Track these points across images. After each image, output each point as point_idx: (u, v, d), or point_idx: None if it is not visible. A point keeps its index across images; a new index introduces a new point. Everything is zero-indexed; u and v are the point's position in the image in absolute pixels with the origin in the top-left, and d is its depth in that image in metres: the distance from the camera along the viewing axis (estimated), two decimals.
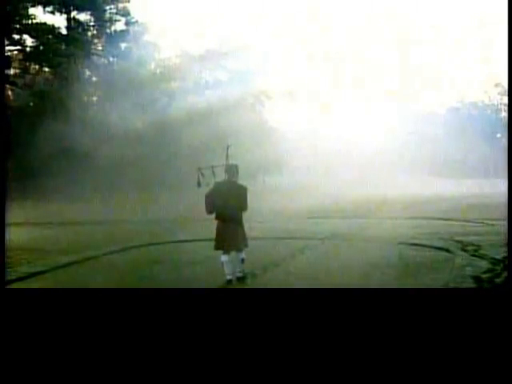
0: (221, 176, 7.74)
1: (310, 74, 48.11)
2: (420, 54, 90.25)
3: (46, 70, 34.92)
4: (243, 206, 7.47)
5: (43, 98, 31.99)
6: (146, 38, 37.16)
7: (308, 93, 46.77)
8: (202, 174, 7.80)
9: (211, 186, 7.56)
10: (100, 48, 36.73)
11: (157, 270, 8.65)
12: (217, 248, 7.47)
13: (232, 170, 7.53)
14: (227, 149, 7.71)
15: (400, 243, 11.16)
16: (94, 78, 36.89)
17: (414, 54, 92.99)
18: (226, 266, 7.35)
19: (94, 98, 37.05)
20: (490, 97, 72.47)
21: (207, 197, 7.42)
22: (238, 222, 7.43)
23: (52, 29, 33.18)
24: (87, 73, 36.89)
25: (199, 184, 7.80)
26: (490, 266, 8.06)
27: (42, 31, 32.47)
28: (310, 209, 22.50)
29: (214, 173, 7.78)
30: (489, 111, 72.58)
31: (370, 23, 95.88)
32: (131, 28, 36.45)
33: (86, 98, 35.68)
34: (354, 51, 72.40)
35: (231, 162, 7.67)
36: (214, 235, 7.53)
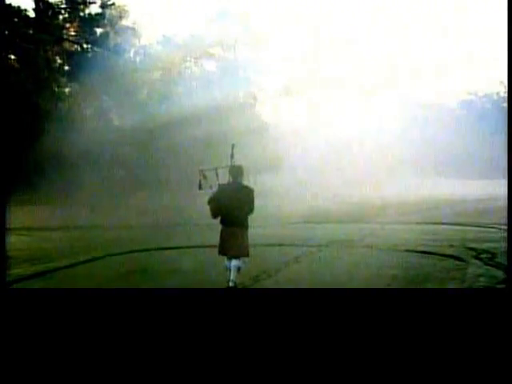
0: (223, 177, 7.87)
1: (307, 66, 48.12)
2: (428, 41, 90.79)
3: (12, 57, 34.71)
4: (250, 209, 7.64)
5: (9, 89, 31.77)
6: (124, 22, 37.08)
7: (305, 87, 46.81)
8: (205, 176, 7.88)
9: (214, 188, 7.69)
10: (72, 33, 36.59)
11: (137, 280, 8.61)
12: (221, 253, 7.64)
13: (236, 171, 7.66)
14: (232, 148, 7.83)
15: (406, 250, 11.18)
16: (66, 67, 36.72)
17: (421, 42, 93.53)
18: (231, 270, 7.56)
19: (66, 90, 36.88)
20: (506, 88, 72.85)
21: (212, 200, 7.56)
22: (244, 226, 7.61)
23: (18, 11, 33.01)
24: (58, 61, 36.72)
25: (200, 186, 7.93)
26: (505, 275, 8.05)
27: (8, 14, 32.27)
28: (307, 212, 22.53)
29: (217, 175, 7.86)
30: (505, 104, 72.98)
31: (374, 12, 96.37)
32: (107, 11, 36.34)
33: (56, 89, 35.51)
34: (356, 42, 72.77)
35: (234, 161, 7.78)
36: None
